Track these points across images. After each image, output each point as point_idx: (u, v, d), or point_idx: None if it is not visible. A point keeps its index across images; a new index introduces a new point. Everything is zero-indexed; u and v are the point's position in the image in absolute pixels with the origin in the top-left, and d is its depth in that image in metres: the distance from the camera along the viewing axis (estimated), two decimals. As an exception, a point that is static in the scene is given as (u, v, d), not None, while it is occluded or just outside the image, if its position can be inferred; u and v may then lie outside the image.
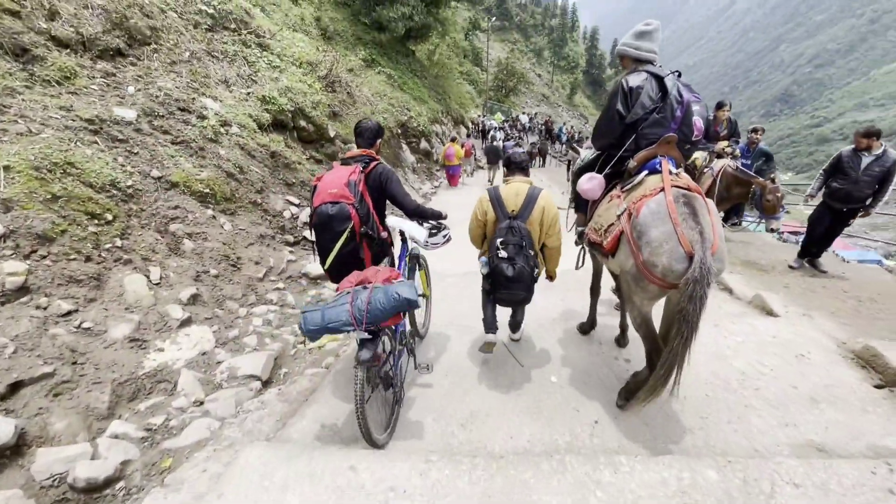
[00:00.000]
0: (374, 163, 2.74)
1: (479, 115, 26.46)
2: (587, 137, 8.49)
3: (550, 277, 3.09)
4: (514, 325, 3.28)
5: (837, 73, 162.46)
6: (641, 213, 2.23)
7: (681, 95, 2.56)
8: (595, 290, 3.37)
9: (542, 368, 2.93)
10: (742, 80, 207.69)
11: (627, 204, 2.37)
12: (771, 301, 3.56)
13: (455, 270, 4.93)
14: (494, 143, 15.63)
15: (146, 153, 4.78)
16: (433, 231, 2.99)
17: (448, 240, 3.02)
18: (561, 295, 4.16)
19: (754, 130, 5.56)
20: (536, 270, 2.79)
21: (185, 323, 3.52)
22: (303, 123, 8.07)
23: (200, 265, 4.14)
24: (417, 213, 2.89)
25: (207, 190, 4.91)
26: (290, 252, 5.19)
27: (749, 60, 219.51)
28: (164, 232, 4.17)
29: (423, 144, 13.57)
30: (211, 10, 7.71)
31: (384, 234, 2.78)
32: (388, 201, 2.84)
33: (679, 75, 2.66)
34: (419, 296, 2.22)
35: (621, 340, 3.25)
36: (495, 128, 20.77)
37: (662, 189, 2.25)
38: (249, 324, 3.87)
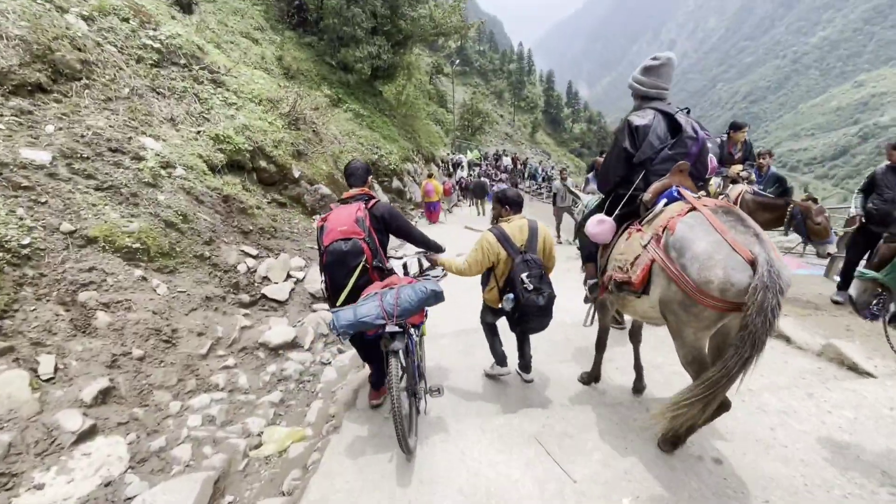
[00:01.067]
0: (374, 200, 2.81)
1: (448, 154, 26.42)
2: (583, 183, 8.00)
3: None
4: (526, 365, 3.17)
5: (770, 107, 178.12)
6: (677, 230, 1.99)
7: (696, 133, 2.46)
8: (601, 345, 3.03)
9: (604, 485, 1.97)
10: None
11: (653, 231, 2.15)
12: (850, 352, 2.89)
13: (447, 328, 4.08)
14: (481, 178, 15.81)
15: (58, 202, 3.82)
16: (428, 268, 3.05)
17: (445, 275, 2.94)
18: (581, 364, 3.37)
19: (761, 155, 5.17)
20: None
21: (86, 435, 2.50)
22: (263, 164, 7.25)
23: (119, 345, 3.13)
24: (423, 243, 2.98)
25: (137, 244, 3.94)
26: (245, 315, 4.21)
27: (691, 98, 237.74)
28: (70, 304, 3.16)
29: (396, 183, 12.93)
30: (157, 45, 6.93)
31: (389, 266, 2.81)
32: (391, 235, 2.89)
33: (688, 112, 2.55)
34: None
35: (638, 385, 2.91)
36: (461, 164, 21.02)
37: (693, 209, 2.04)
38: (183, 424, 2.85)
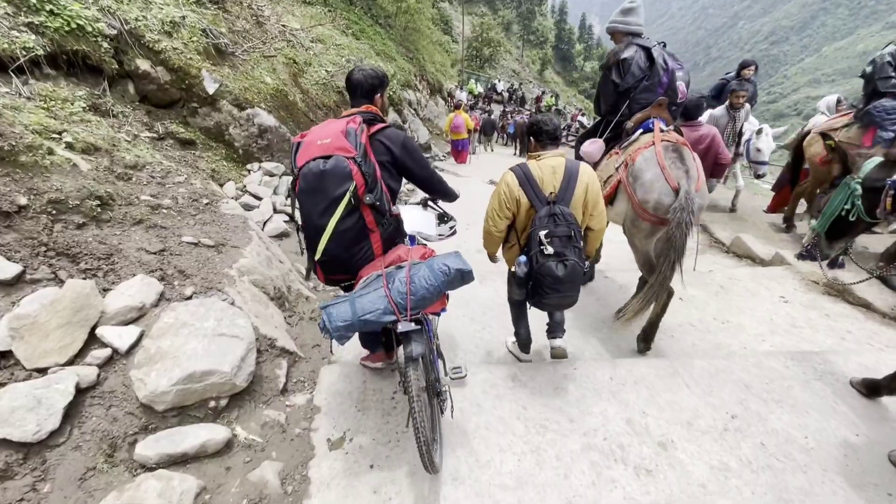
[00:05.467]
0: (381, 124, 1.89)
1: (455, 86, 22.39)
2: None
3: (588, 257, 2.48)
4: (556, 326, 2.71)
5: (792, 49, 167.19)
6: (636, 161, 2.60)
7: (666, 64, 2.88)
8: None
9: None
10: (703, 57, 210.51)
11: (624, 157, 2.74)
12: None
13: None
14: (492, 116, 12.65)
15: None
16: (439, 220, 2.39)
17: (454, 232, 2.41)
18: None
19: None
20: (587, 265, 2.60)
21: None
22: (143, 65, 3.83)
23: None
24: (441, 191, 2.18)
25: None
26: None
27: (709, 37, 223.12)
28: None
29: (392, 116, 9.39)
30: None
31: (396, 211, 1.94)
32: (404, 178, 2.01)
33: (664, 46, 2.95)
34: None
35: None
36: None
37: (654, 143, 2.59)
38: None
